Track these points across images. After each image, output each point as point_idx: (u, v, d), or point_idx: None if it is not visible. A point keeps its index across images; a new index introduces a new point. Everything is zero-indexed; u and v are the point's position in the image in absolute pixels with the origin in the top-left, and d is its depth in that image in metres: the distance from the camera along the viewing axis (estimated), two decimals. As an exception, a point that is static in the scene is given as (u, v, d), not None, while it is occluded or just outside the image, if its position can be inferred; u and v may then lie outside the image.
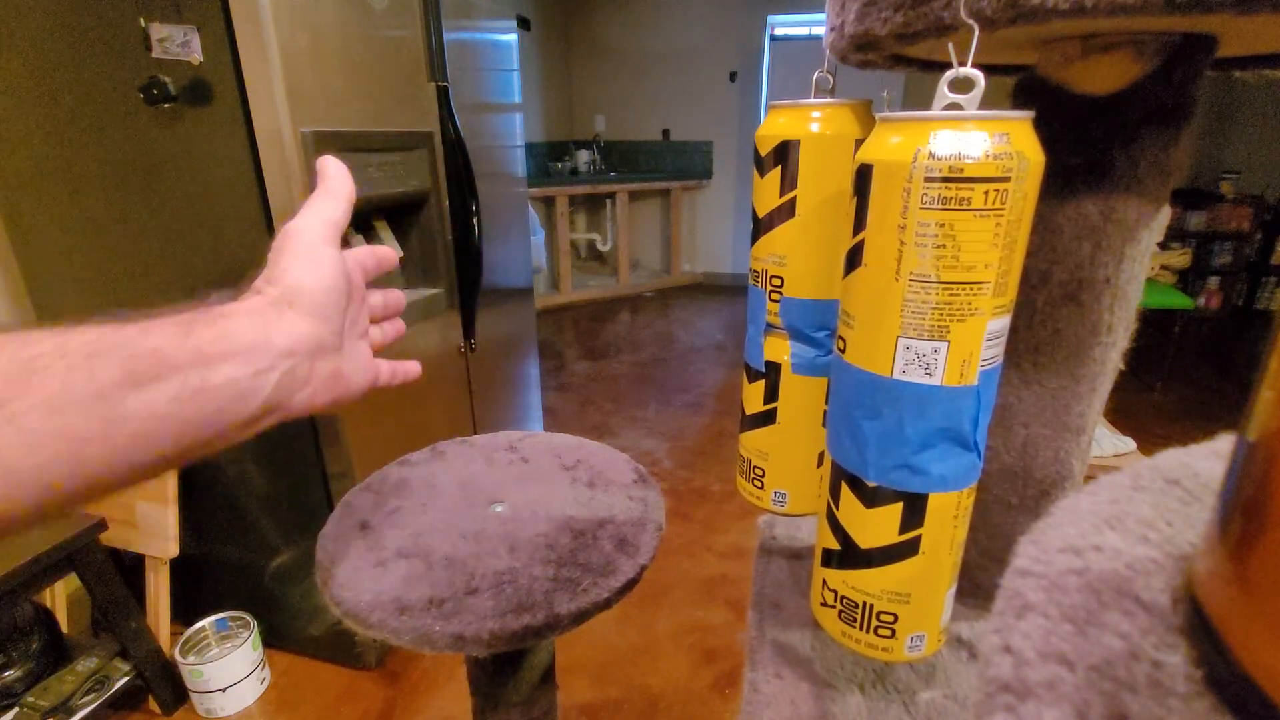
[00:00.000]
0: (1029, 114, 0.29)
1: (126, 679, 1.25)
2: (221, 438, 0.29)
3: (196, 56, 1.02)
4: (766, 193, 0.43)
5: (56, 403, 0.23)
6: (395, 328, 0.44)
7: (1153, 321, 2.92)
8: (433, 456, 0.74)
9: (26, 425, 0.22)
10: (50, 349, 0.23)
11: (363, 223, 1.33)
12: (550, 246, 4.41)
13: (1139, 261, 0.42)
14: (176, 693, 1.32)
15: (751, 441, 0.51)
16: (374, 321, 0.42)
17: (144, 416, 0.25)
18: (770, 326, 0.46)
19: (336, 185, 0.37)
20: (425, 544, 0.58)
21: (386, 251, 0.42)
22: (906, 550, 0.36)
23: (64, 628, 1.34)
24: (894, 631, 0.38)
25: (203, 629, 1.37)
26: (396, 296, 0.44)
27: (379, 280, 0.42)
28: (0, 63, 1.14)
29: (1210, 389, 3.02)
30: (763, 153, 0.43)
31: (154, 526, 1.29)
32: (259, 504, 1.34)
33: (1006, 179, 0.28)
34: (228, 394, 0.28)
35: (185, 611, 1.41)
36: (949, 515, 0.35)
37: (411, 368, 0.44)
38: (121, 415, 0.24)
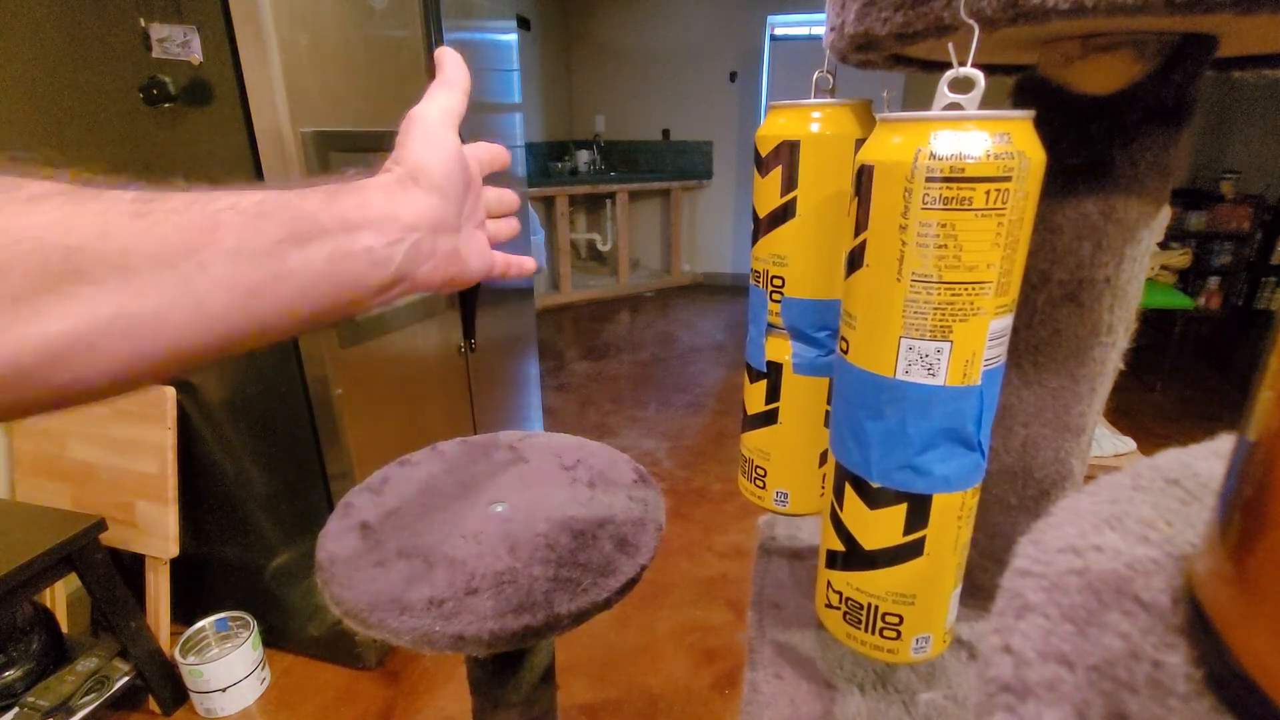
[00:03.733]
0: (1029, 114, 0.29)
1: (126, 679, 1.25)
2: (363, 301, 0.31)
3: (196, 56, 1.02)
4: (767, 193, 0.43)
5: (235, 254, 0.25)
6: (510, 225, 0.45)
7: (1153, 321, 2.92)
8: (433, 456, 0.74)
9: (215, 272, 0.24)
10: (228, 205, 0.25)
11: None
12: (550, 246, 4.41)
13: (1139, 261, 0.42)
14: (176, 693, 1.32)
15: (753, 441, 0.51)
16: (491, 217, 0.44)
17: (302, 273, 0.27)
18: (771, 326, 0.47)
19: (454, 75, 0.39)
20: (425, 544, 0.58)
21: (500, 149, 0.44)
22: (911, 551, 0.36)
23: (64, 628, 1.33)
24: (899, 633, 0.38)
25: (203, 629, 1.37)
26: (512, 195, 0.45)
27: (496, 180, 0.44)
28: (0, 63, 1.14)
29: (1210, 389, 3.02)
30: (763, 153, 0.43)
31: (154, 526, 1.29)
32: (259, 504, 1.34)
33: (1008, 179, 0.28)
34: (366, 260, 0.30)
35: (185, 611, 1.41)
36: (953, 516, 0.35)
37: (527, 262, 0.46)
38: (285, 269, 0.27)
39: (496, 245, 0.44)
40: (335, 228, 0.29)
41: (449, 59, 0.40)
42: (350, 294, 0.30)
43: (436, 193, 0.35)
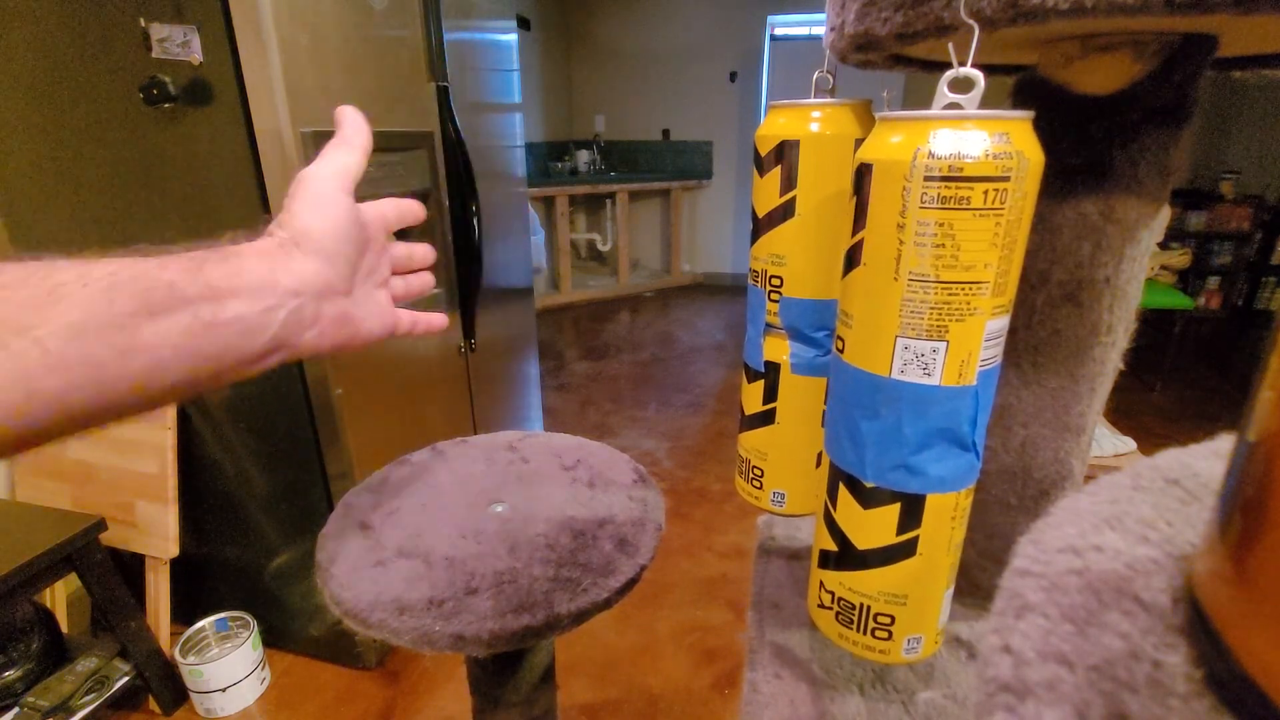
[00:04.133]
0: (1029, 114, 0.29)
1: (126, 679, 1.25)
2: (230, 371, 0.30)
3: (196, 56, 1.02)
4: (766, 193, 0.43)
5: (78, 329, 0.24)
6: (421, 280, 0.44)
7: (1153, 321, 2.92)
8: (433, 456, 0.74)
9: (52, 349, 0.23)
10: (73, 277, 0.24)
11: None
12: (550, 246, 4.41)
13: (1139, 261, 0.42)
14: (176, 693, 1.32)
15: (750, 441, 0.51)
16: (399, 273, 0.43)
17: (157, 346, 0.26)
18: (770, 326, 0.46)
19: (352, 134, 0.38)
20: (425, 544, 0.58)
21: (410, 204, 0.43)
22: (904, 551, 0.36)
23: (64, 628, 1.33)
24: (891, 633, 0.38)
25: (203, 629, 1.37)
26: (424, 250, 0.44)
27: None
28: (0, 63, 1.14)
29: (1210, 389, 3.02)
30: (763, 153, 0.43)
31: (154, 526, 1.29)
32: (259, 504, 1.34)
33: (1006, 178, 0.28)
34: (236, 329, 0.29)
35: (185, 611, 1.41)
36: (947, 516, 0.35)
37: (435, 319, 0.44)
38: (137, 344, 0.25)
39: (407, 300, 0.42)
40: (198, 297, 0.27)
41: (349, 118, 0.38)
42: (216, 365, 0.29)
43: (321, 257, 0.33)
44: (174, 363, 0.27)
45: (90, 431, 0.26)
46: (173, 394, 0.28)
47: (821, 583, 0.40)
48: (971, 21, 0.29)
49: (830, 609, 0.40)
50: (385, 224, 0.41)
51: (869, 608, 0.38)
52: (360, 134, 0.38)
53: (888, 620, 0.37)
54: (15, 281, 0.23)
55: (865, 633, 0.38)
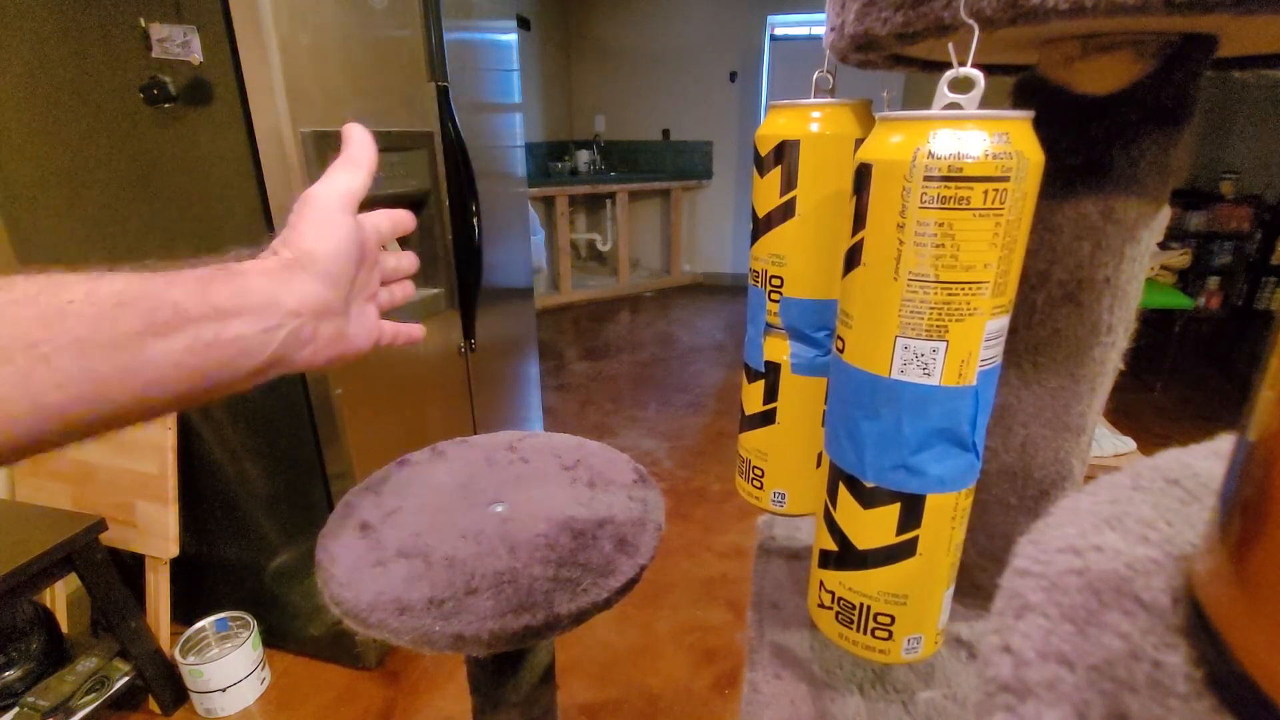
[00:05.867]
0: (1029, 114, 0.29)
1: (126, 679, 1.25)
2: (228, 386, 0.31)
3: (196, 56, 1.02)
4: (766, 193, 0.43)
5: (84, 346, 0.24)
6: (404, 290, 0.45)
7: (1153, 321, 2.92)
8: (433, 456, 0.74)
9: (57, 365, 0.24)
10: (82, 295, 0.25)
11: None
12: (550, 246, 4.41)
13: (1139, 261, 0.42)
14: (176, 693, 1.32)
15: (751, 442, 0.51)
16: (384, 283, 0.44)
17: (161, 364, 0.27)
18: (770, 326, 0.46)
19: (358, 154, 0.38)
20: (425, 544, 0.58)
21: (402, 215, 0.43)
22: (904, 551, 0.36)
23: (64, 628, 1.34)
24: (891, 633, 0.38)
25: (203, 629, 1.37)
26: (410, 259, 0.45)
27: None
28: (0, 63, 1.14)
29: (1210, 389, 3.02)
30: (763, 153, 0.43)
31: (154, 526, 1.29)
32: (259, 504, 1.34)
33: (1006, 178, 0.28)
34: (237, 348, 0.30)
35: (185, 611, 1.41)
36: (947, 516, 0.35)
37: (414, 330, 0.46)
38: (141, 361, 0.26)
39: (391, 309, 0.44)
40: (202, 317, 0.28)
41: (355, 136, 0.39)
42: (214, 381, 0.30)
43: (323, 279, 0.34)
44: (174, 379, 0.28)
45: (88, 440, 0.26)
46: (171, 406, 0.29)
47: (822, 582, 0.40)
48: (971, 21, 0.29)
49: (830, 609, 0.40)
50: (379, 237, 0.42)
51: (869, 608, 0.38)
52: (366, 154, 0.39)
53: (888, 620, 0.37)
54: (26, 298, 0.24)
55: (865, 633, 0.38)
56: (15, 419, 0.23)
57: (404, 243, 1.42)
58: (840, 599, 0.39)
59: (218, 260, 0.31)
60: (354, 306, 0.38)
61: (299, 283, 0.33)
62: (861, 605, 0.38)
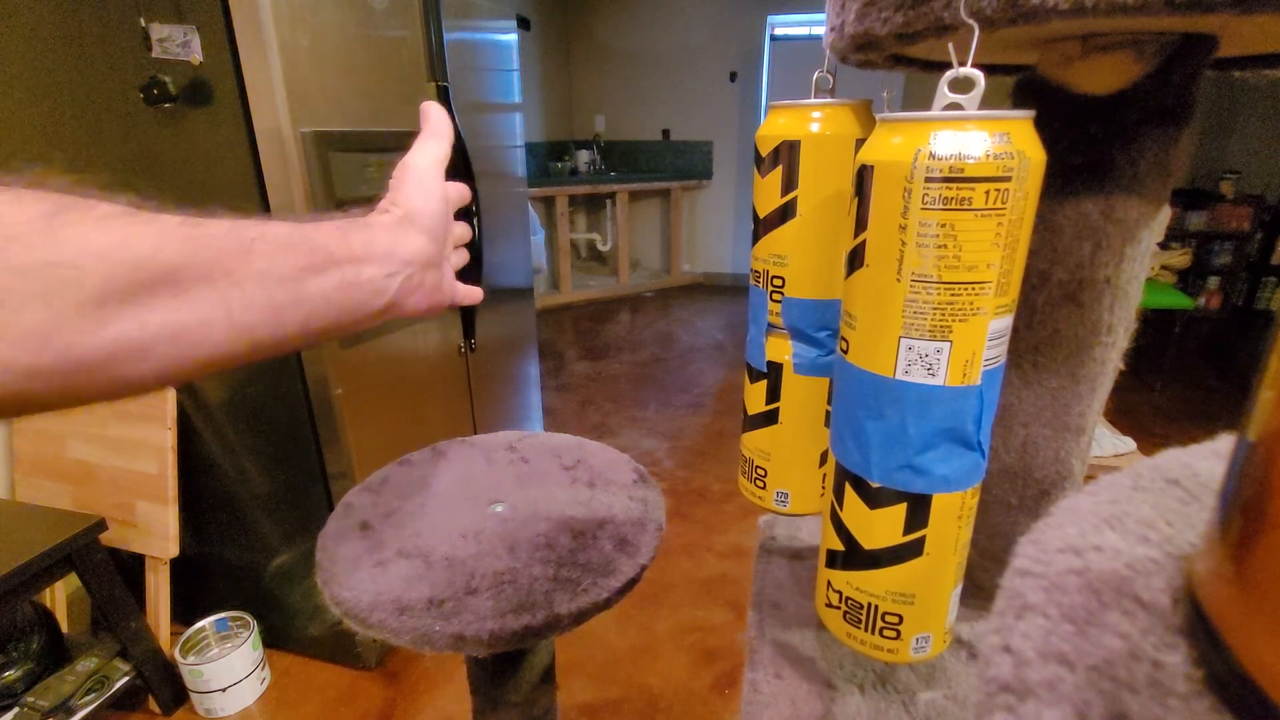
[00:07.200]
0: (1029, 113, 0.29)
1: (126, 679, 1.25)
2: (360, 323, 0.35)
3: (196, 56, 1.02)
4: (767, 193, 0.43)
5: (265, 277, 0.29)
6: (461, 256, 0.49)
7: (1153, 321, 2.92)
8: (433, 456, 0.74)
9: (247, 290, 0.28)
10: (259, 235, 0.29)
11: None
12: (550, 246, 4.41)
13: (1139, 261, 0.42)
14: (176, 693, 1.32)
15: (754, 441, 0.51)
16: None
17: (316, 297, 0.31)
18: (772, 326, 0.46)
19: (440, 127, 0.43)
20: (425, 544, 0.58)
21: (465, 189, 0.48)
22: (911, 551, 0.36)
23: (64, 628, 1.33)
24: (899, 633, 0.38)
25: (203, 629, 1.37)
26: (464, 227, 0.49)
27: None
28: (0, 63, 1.14)
29: (1210, 389, 3.02)
30: (763, 153, 0.43)
31: (154, 526, 1.29)
32: (259, 504, 1.34)
33: (1007, 178, 0.28)
34: (368, 289, 0.34)
35: (185, 611, 1.41)
36: (953, 515, 0.35)
37: (476, 291, 0.50)
38: (302, 294, 0.31)
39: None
40: (345, 260, 0.33)
41: (434, 112, 0.43)
42: (352, 316, 0.34)
43: (427, 234, 0.39)
44: (326, 311, 0.32)
45: (263, 359, 0.30)
46: (321, 335, 0.33)
47: (829, 582, 0.40)
48: (971, 21, 0.29)
49: (838, 608, 0.40)
50: (451, 206, 0.45)
51: (877, 607, 0.38)
52: (446, 127, 0.43)
53: (896, 620, 0.37)
54: (221, 234, 0.28)
55: (873, 632, 0.38)
56: (216, 334, 0.27)
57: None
58: (848, 599, 0.39)
59: (345, 213, 0.36)
60: (445, 263, 0.42)
61: (409, 236, 0.38)
62: (869, 605, 0.38)
